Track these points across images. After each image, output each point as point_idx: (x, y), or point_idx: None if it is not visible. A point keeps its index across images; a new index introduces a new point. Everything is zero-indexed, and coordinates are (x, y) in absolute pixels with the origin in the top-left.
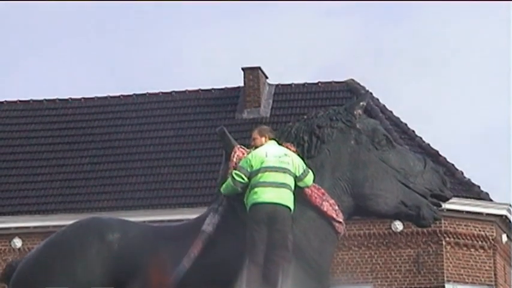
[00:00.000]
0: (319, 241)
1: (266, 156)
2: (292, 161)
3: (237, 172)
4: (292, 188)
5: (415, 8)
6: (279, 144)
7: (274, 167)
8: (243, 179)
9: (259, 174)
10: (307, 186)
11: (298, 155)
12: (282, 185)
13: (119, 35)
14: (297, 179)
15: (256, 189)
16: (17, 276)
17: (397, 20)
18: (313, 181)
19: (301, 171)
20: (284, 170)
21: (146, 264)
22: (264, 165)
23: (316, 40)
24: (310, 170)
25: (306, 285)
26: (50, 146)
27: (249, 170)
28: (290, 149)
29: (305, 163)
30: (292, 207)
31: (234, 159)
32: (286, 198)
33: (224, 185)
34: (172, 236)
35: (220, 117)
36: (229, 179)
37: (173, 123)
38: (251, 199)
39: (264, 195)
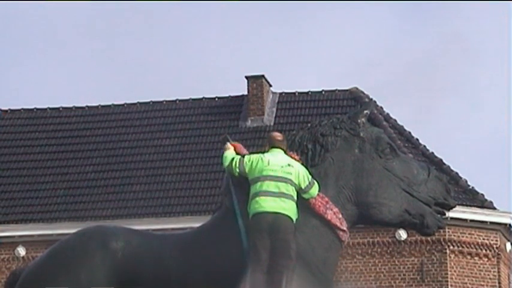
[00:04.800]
0: (323, 250)
1: (268, 164)
2: (297, 172)
3: (237, 162)
4: (295, 198)
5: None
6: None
7: (275, 176)
8: (234, 170)
9: (260, 183)
10: (312, 197)
11: (302, 163)
12: (284, 195)
13: (123, 43)
14: (301, 191)
15: (257, 199)
16: (21, 285)
17: (401, 26)
18: (318, 191)
19: (306, 183)
20: (286, 180)
21: (150, 274)
22: (264, 173)
23: (319, 48)
24: (315, 181)
25: None
26: (53, 154)
27: (245, 170)
28: (294, 158)
29: (309, 172)
30: (294, 218)
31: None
32: (287, 208)
33: (225, 158)
34: (177, 245)
35: (224, 125)
36: (230, 159)
37: (177, 132)
38: (253, 208)
39: (265, 203)
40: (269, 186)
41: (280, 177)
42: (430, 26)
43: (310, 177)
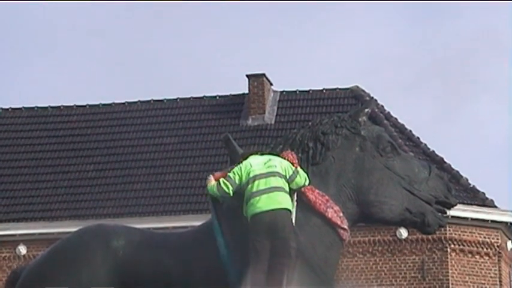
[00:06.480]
0: (324, 248)
1: (251, 166)
2: (280, 163)
3: (224, 181)
4: (287, 189)
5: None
6: (273, 154)
7: (262, 173)
8: (228, 189)
9: (250, 185)
10: (300, 187)
11: (302, 161)
12: (275, 189)
13: (123, 41)
14: (288, 181)
15: (251, 201)
16: (22, 283)
17: (402, 27)
18: (314, 185)
19: (290, 172)
20: (273, 174)
21: (150, 272)
22: (251, 175)
23: (320, 47)
24: (299, 171)
25: None
26: (54, 152)
27: (237, 182)
28: (287, 157)
29: (310, 170)
30: (290, 208)
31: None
32: (282, 200)
33: (210, 186)
34: (178, 244)
35: (224, 124)
36: (216, 183)
37: (178, 130)
38: (250, 211)
39: (260, 203)
40: (259, 185)
41: (267, 173)
42: (432, 26)
43: (293, 168)
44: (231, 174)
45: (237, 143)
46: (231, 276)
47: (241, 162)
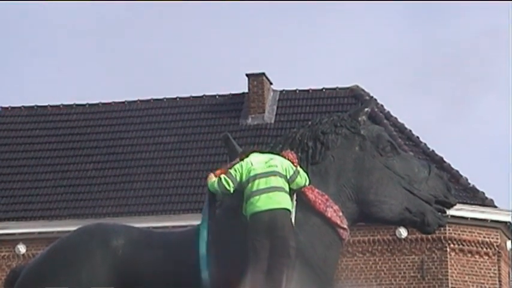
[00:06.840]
0: (323, 248)
1: (252, 165)
2: (281, 163)
3: (225, 177)
4: (287, 189)
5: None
6: (273, 153)
7: (262, 173)
8: (229, 185)
9: (250, 184)
10: (300, 188)
11: (302, 161)
12: (275, 189)
13: (123, 41)
14: (289, 181)
15: (251, 200)
16: (21, 283)
17: (402, 26)
18: (313, 185)
19: (291, 173)
20: (274, 173)
21: (149, 271)
22: (252, 173)
23: (320, 46)
24: (300, 171)
25: None
26: (54, 151)
27: (237, 179)
28: (287, 157)
29: (310, 169)
30: (290, 208)
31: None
32: (281, 200)
33: (211, 183)
34: (177, 243)
35: (224, 123)
36: (217, 179)
37: (177, 129)
38: (249, 210)
39: (259, 203)
40: (259, 184)
41: (267, 172)
42: (431, 26)
43: (294, 168)
44: (232, 171)
45: (236, 142)
46: (203, 274)
47: (242, 159)
